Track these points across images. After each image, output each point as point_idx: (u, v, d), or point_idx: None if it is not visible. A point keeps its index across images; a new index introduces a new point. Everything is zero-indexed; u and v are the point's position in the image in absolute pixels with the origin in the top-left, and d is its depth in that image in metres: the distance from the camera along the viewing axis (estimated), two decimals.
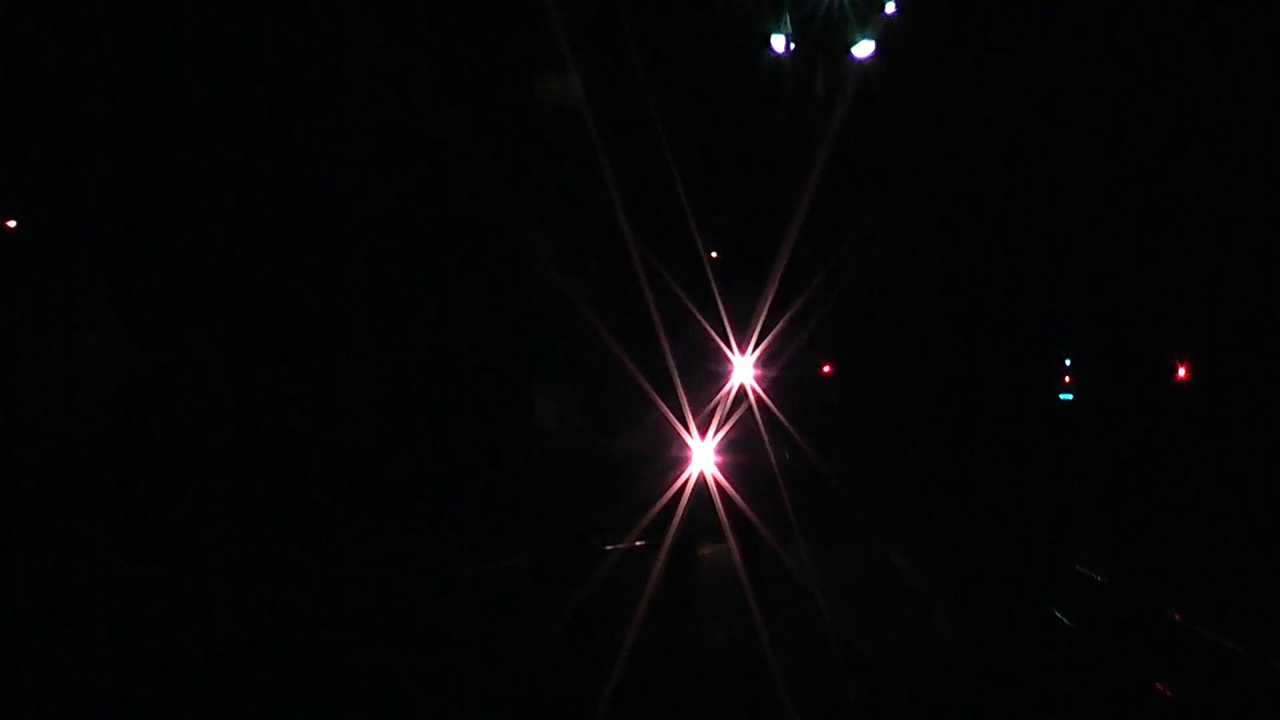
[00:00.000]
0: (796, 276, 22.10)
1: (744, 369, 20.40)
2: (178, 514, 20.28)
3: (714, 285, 19.95)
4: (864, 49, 27.65)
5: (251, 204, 22.82)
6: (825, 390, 33.02)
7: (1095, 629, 17.44)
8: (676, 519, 18.64)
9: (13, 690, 13.14)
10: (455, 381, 24.73)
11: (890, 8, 27.90)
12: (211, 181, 22.52)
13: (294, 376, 23.05)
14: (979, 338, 34.97)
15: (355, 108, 23.72)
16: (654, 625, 16.79)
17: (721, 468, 19.67)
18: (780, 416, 21.84)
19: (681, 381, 19.73)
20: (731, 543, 21.12)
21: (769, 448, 21.95)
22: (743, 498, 21.10)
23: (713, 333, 19.74)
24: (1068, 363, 35.76)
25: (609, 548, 22.16)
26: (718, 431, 19.50)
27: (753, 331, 20.40)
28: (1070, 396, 35.56)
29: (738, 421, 20.91)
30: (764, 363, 21.13)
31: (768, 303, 20.76)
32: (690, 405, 19.36)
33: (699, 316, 19.59)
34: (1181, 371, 32.16)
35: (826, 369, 33.59)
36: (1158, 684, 14.59)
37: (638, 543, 22.42)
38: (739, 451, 21.55)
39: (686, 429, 19.11)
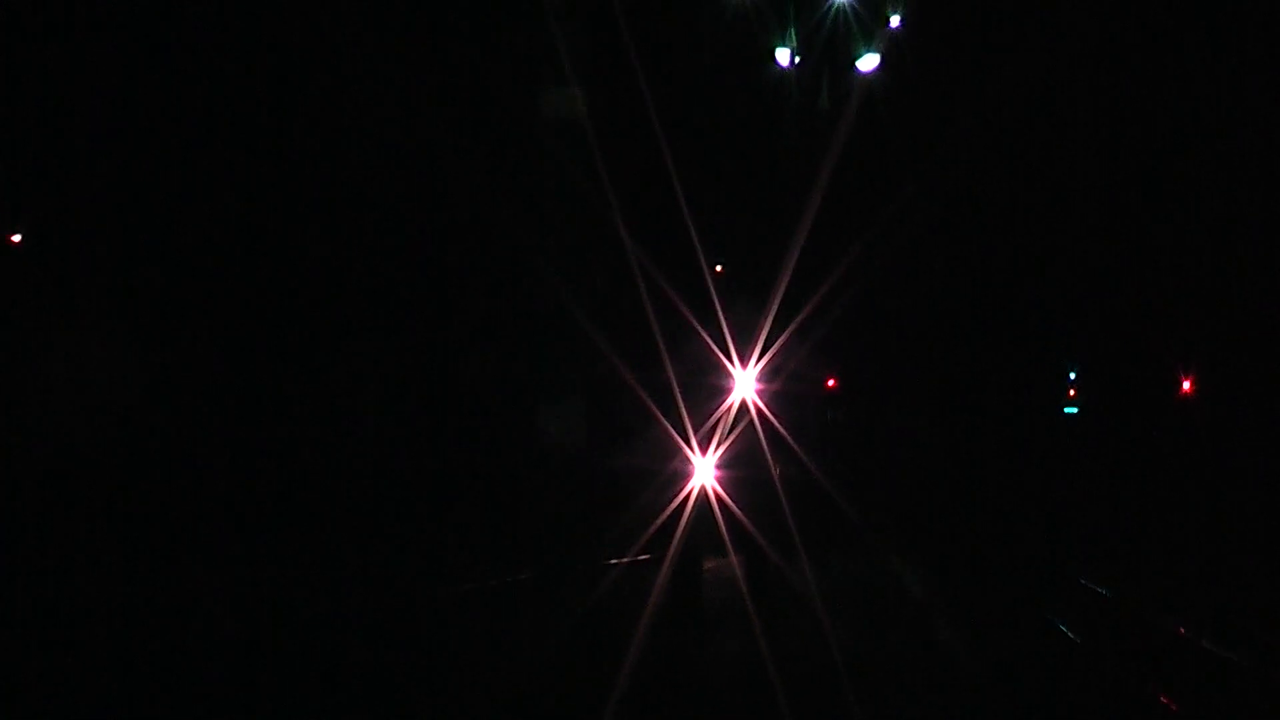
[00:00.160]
0: (800, 291, 22.11)
1: (747, 383, 20.42)
2: (181, 525, 20.30)
3: (718, 300, 19.97)
4: (868, 62, 27.68)
5: (257, 214, 22.86)
6: (828, 404, 33.01)
7: (1099, 641, 17.43)
8: (680, 533, 18.64)
9: (17, 694, 13.18)
10: (460, 396, 24.75)
11: (895, 21, 27.95)
12: (219, 194, 22.57)
13: (300, 390, 23.07)
14: (982, 351, 34.95)
15: (361, 117, 23.76)
16: (658, 638, 16.80)
17: (723, 481, 19.69)
18: (782, 430, 21.87)
19: (685, 396, 19.75)
20: (734, 557, 21.15)
21: (771, 461, 21.98)
22: (745, 512, 21.11)
23: (716, 347, 19.77)
24: (1072, 376, 35.72)
25: (613, 561, 22.17)
26: (720, 445, 19.52)
27: (756, 346, 20.43)
28: (1075, 410, 35.51)
29: (740, 435, 20.93)
30: (767, 377, 21.15)
31: (771, 317, 20.78)
32: (693, 419, 19.37)
33: (703, 331, 19.61)
34: (1187, 385, 32.12)
35: (831, 383, 33.57)
36: (1162, 696, 14.58)
37: (641, 556, 22.43)
38: (741, 465, 21.57)
39: (690, 443, 19.12)
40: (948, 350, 35.10)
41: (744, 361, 20.34)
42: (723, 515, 20.24)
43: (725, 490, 19.81)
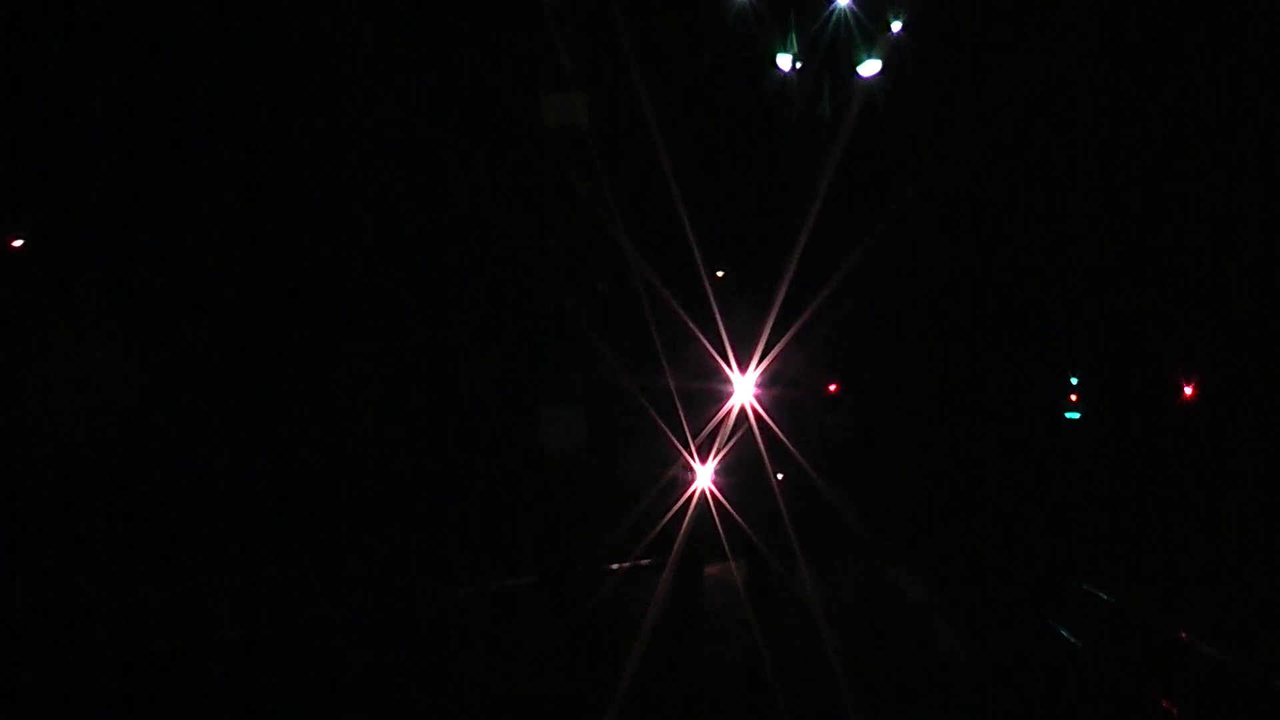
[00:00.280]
0: (800, 296, 22.09)
1: (747, 388, 20.40)
2: (181, 525, 20.29)
3: (719, 305, 19.96)
4: (870, 68, 27.67)
5: (258, 215, 22.85)
6: (828, 409, 32.99)
7: (1099, 646, 17.41)
8: (680, 537, 18.62)
9: (17, 695, 13.17)
10: (459, 397, 24.74)
11: (897, 27, 27.95)
12: (219, 194, 22.56)
13: (300, 390, 23.06)
14: (983, 355, 34.95)
15: (360, 117, 23.75)
16: (660, 643, 16.79)
17: (723, 486, 19.66)
18: (781, 436, 21.83)
19: (685, 401, 19.73)
20: (733, 563, 21.14)
21: (770, 466, 21.95)
22: (744, 517, 21.08)
23: (716, 352, 19.75)
24: (1074, 381, 35.74)
25: (614, 566, 22.14)
26: (720, 450, 19.49)
27: (756, 351, 20.40)
28: (1076, 415, 35.52)
29: (740, 440, 20.91)
30: (767, 382, 21.14)
31: (771, 322, 20.76)
32: (693, 424, 19.35)
33: (703, 336, 19.59)
34: (1188, 390, 32.13)
35: (831, 388, 33.56)
36: (1163, 701, 14.56)
37: (642, 561, 22.40)
38: (741, 471, 21.54)
39: (690, 448, 19.10)
40: (948, 355, 35.11)
41: (744, 366, 20.32)
42: (722, 520, 20.21)
43: (725, 495, 19.78)
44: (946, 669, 15.96)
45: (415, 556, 21.70)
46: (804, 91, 27.98)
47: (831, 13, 26.75)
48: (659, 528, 19.13)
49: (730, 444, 19.97)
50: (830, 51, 27.60)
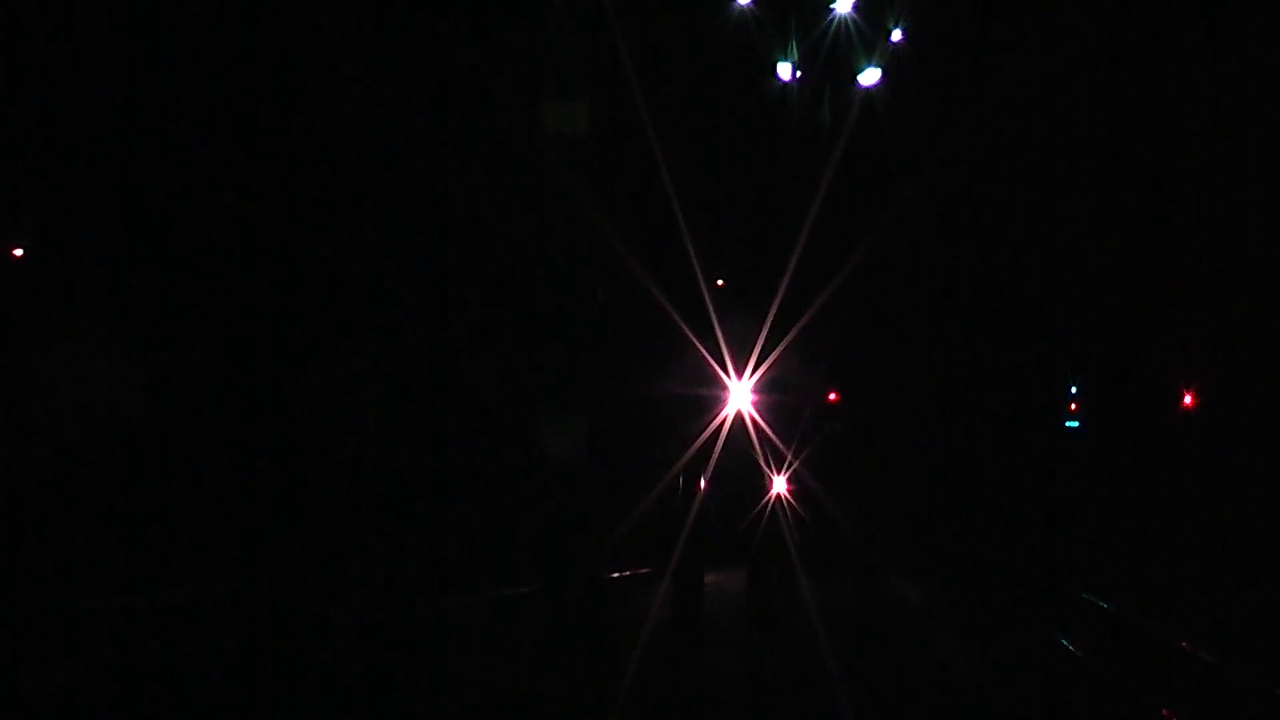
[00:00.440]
0: (800, 304, 22.09)
1: (747, 395, 20.39)
2: (181, 527, 20.28)
3: (718, 312, 19.95)
4: (870, 76, 27.69)
5: (259, 217, 22.84)
6: (828, 417, 32.98)
7: (1100, 654, 17.40)
8: (680, 546, 18.62)
9: (17, 696, 13.16)
10: (460, 400, 24.75)
11: (897, 35, 27.96)
12: (221, 196, 22.55)
13: (300, 393, 23.05)
14: (983, 363, 34.95)
15: (361, 119, 23.75)
16: (660, 653, 16.78)
17: (723, 494, 19.67)
18: (781, 444, 21.84)
19: (685, 407, 19.73)
20: (726, 572, 21.16)
21: (768, 473, 21.96)
22: (744, 524, 21.09)
23: (716, 359, 19.74)
24: (1074, 390, 35.71)
25: (615, 575, 22.14)
26: (720, 457, 19.48)
27: (757, 358, 20.40)
28: (1077, 424, 35.49)
29: (740, 447, 20.90)
30: (766, 389, 21.12)
31: (773, 330, 20.76)
32: (693, 431, 19.34)
33: (702, 344, 19.58)
34: (1188, 398, 32.09)
35: (832, 396, 33.55)
36: (1163, 710, 14.54)
37: (642, 570, 22.41)
38: (740, 478, 21.55)
39: (690, 454, 19.08)
40: (948, 362, 35.10)
41: (745, 373, 20.30)
42: (723, 526, 20.23)
43: (724, 503, 19.80)
44: (946, 678, 15.94)
45: (415, 561, 21.69)
46: (804, 99, 27.98)
47: (831, 21, 26.75)
48: (659, 535, 19.13)
49: (731, 451, 19.96)
50: (830, 59, 27.61)
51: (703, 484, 18.84)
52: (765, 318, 20.59)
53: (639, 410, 21.47)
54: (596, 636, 16.89)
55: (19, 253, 21.17)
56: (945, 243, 34.68)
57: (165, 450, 21.20)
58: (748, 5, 25.37)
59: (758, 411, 20.89)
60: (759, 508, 22.05)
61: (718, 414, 19.65)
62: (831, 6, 26.52)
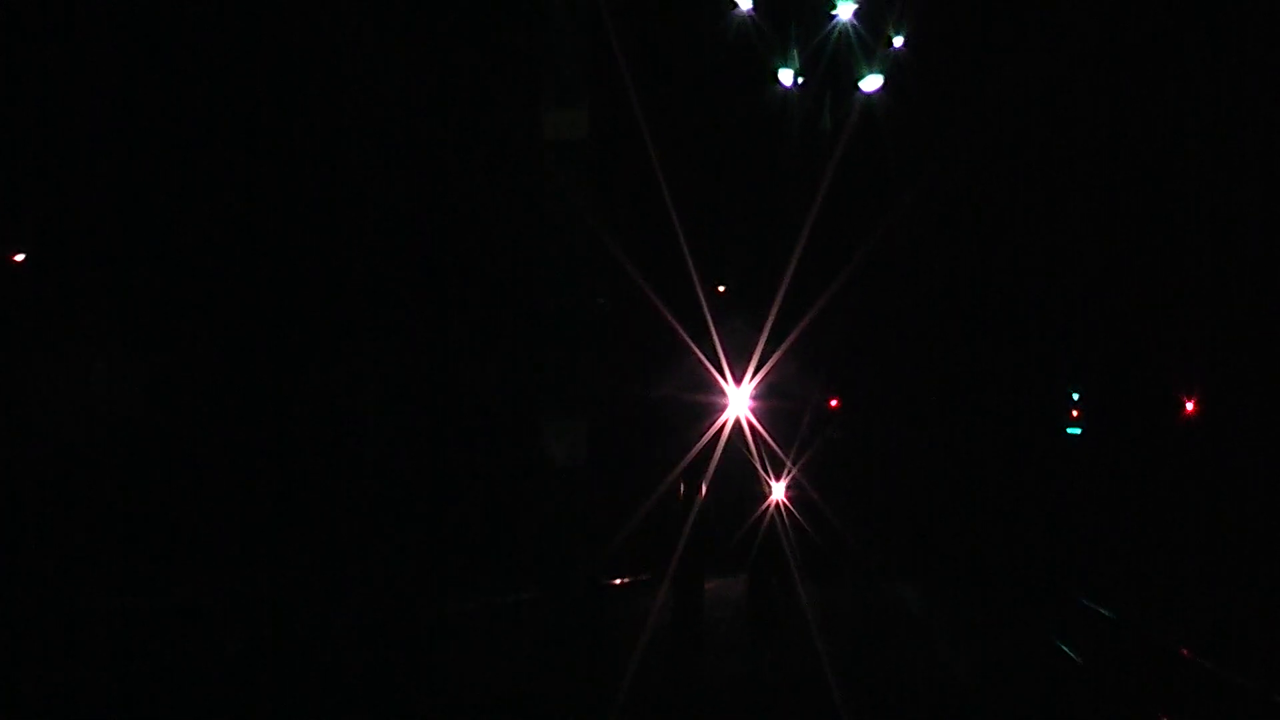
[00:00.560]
0: (801, 311, 22.10)
1: (747, 401, 20.40)
2: (181, 529, 20.28)
3: (718, 318, 19.96)
4: (872, 83, 27.70)
5: (259, 219, 22.85)
6: (829, 423, 32.99)
7: (1101, 661, 17.38)
8: (680, 552, 18.62)
9: (18, 697, 13.17)
10: (460, 404, 24.75)
11: (898, 42, 27.99)
12: (221, 198, 22.56)
13: (301, 402, 23.05)
14: (984, 369, 34.95)
15: (361, 121, 23.77)
16: (659, 658, 16.78)
17: (722, 500, 19.67)
18: (780, 451, 21.83)
19: (685, 413, 19.73)
20: (726, 579, 21.15)
21: (767, 480, 21.96)
22: (742, 530, 21.09)
23: (715, 366, 19.74)
24: (1075, 397, 35.72)
25: (615, 581, 22.13)
26: (720, 463, 19.48)
27: (756, 364, 20.40)
28: (1078, 430, 35.50)
29: (739, 453, 20.90)
30: (766, 395, 21.12)
31: (771, 336, 20.77)
32: (692, 437, 19.35)
33: (702, 349, 19.59)
34: (1190, 405, 32.09)
35: (833, 403, 33.55)
36: (1163, 717, 14.53)
37: (642, 576, 22.39)
38: (740, 483, 21.55)
39: (689, 461, 19.09)
40: (949, 369, 35.11)
41: (745, 379, 20.30)
42: (721, 532, 20.23)
43: (724, 508, 19.80)
44: (946, 685, 15.93)
45: (415, 563, 21.68)
46: (805, 105, 28.02)
47: (832, 28, 26.78)
48: (658, 539, 19.12)
49: (728, 455, 19.95)
50: (831, 66, 27.63)
51: (703, 489, 18.85)
52: (767, 324, 20.59)
53: (638, 414, 21.46)
54: (597, 638, 16.91)
55: (20, 258, 21.20)
56: (945, 250, 34.71)
57: (165, 451, 21.20)
58: (749, 12, 25.40)
59: (756, 417, 20.89)
60: (758, 513, 22.06)
61: (717, 419, 19.65)
62: (832, 13, 26.55)
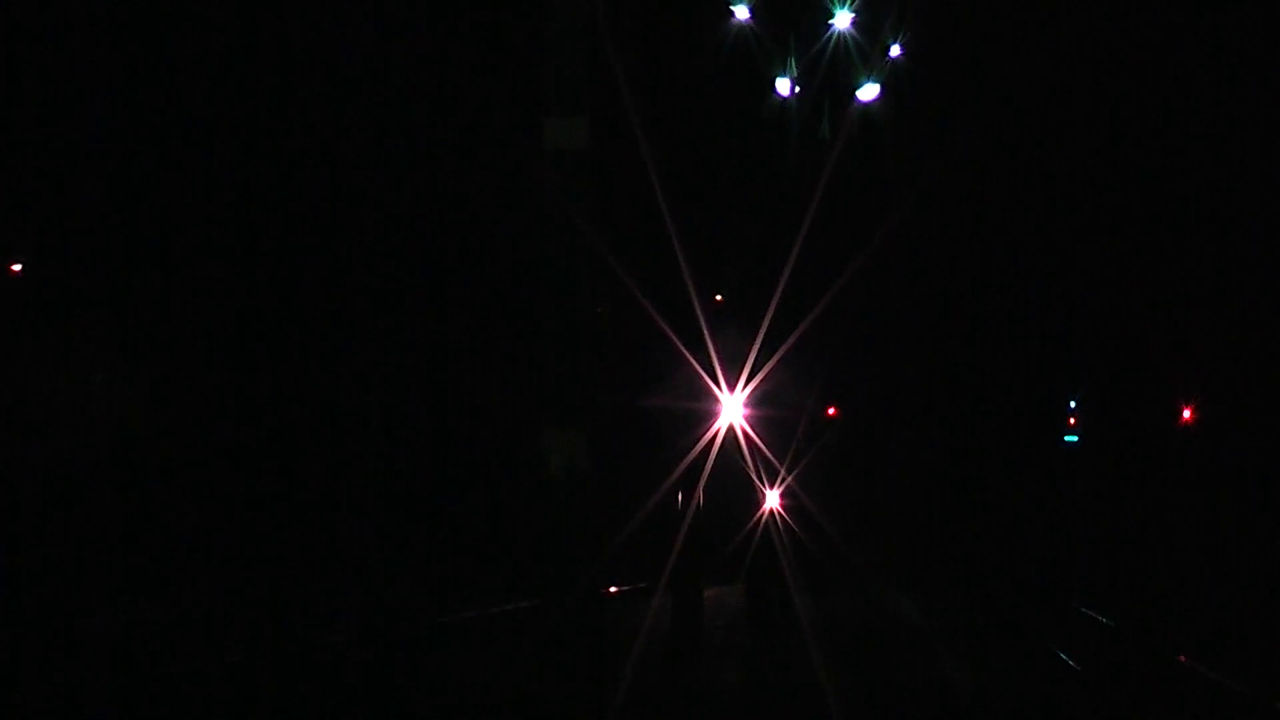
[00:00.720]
0: (799, 320, 22.13)
1: (743, 410, 20.42)
2: (181, 532, 20.28)
3: (716, 327, 19.99)
4: (869, 91, 27.74)
5: (260, 220, 22.86)
6: (826, 430, 33.01)
7: (1099, 669, 17.38)
8: (679, 559, 18.63)
9: (18, 698, 13.17)
10: (461, 417, 24.79)
11: (895, 51, 28.02)
12: (223, 200, 22.58)
13: (301, 408, 23.07)
14: (982, 377, 34.96)
15: (367, 136, 23.79)
16: (658, 659, 16.79)
17: (718, 508, 19.68)
18: (776, 461, 21.85)
19: (681, 422, 19.75)
20: (723, 587, 21.14)
21: (763, 488, 21.98)
22: (740, 538, 21.10)
23: (711, 374, 19.77)
24: (1072, 405, 35.74)
25: (613, 590, 22.14)
26: (717, 470, 19.51)
27: (752, 372, 20.43)
28: (1075, 438, 35.50)
29: (736, 461, 20.93)
30: (763, 403, 21.15)
31: (768, 346, 20.80)
32: (689, 444, 19.38)
33: (700, 358, 19.62)
34: (1187, 413, 32.10)
35: (831, 411, 33.57)
36: None
37: (640, 585, 22.40)
38: (736, 491, 21.56)
39: (687, 468, 19.12)
40: (946, 378, 35.12)
41: (741, 388, 20.33)
42: (718, 539, 20.23)
43: (720, 516, 19.80)
44: (946, 693, 15.93)
45: (416, 568, 21.70)
46: (803, 114, 28.05)
47: (830, 37, 26.82)
48: (656, 546, 19.15)
49: (724, 464, 19.99)
50: (829, 75, 27.67)
51: (700, 497, 18.87)
52: (763, 333, 20.63)
53: (636, 422, 21.48)
54: (597, 642, 16.93)
55: (18, 267, 21.22)
56: (943, 259, 34.74)
57: (166, 456, 21.21)
58: (747, 21, 25.44)
59: (752, 426, 20.92)
60: (754, 521, 22.08)
61: (712, 427, 19.67)
62: (830, 23, 26.59)
